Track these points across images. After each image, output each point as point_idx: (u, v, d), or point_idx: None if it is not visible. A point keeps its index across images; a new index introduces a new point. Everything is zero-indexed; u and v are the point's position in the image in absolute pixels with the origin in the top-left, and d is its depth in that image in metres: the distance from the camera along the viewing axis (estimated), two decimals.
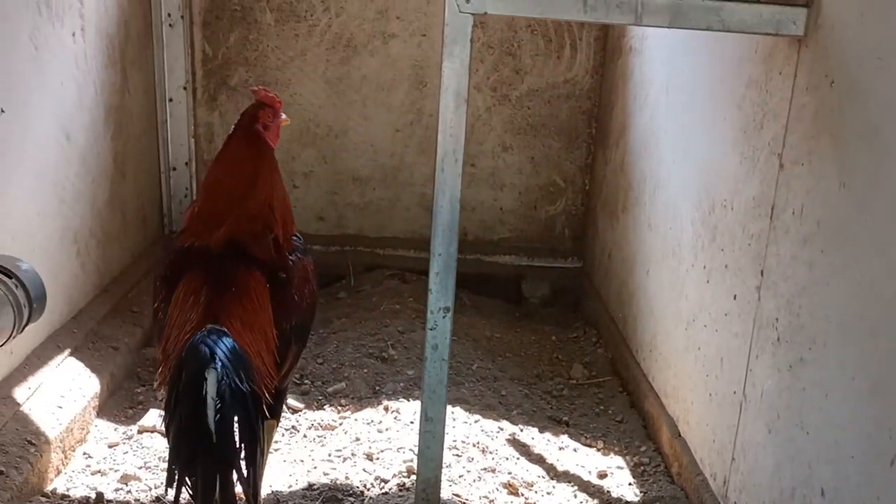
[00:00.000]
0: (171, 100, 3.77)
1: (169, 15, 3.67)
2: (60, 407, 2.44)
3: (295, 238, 2.09)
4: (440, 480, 2.11)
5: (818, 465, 1.64)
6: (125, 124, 3.34)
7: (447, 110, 1.76)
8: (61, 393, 2.50)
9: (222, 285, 1.87)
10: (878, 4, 1.53)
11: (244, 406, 1.71)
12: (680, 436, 2.48)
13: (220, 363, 1.66)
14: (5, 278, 1.88)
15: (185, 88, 3.78)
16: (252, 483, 1.76)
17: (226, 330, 1.76)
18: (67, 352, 2.69)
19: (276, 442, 2.57)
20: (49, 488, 2.26)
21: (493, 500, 2.32)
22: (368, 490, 2.34)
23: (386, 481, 2.37)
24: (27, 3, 2.46)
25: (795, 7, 1.72)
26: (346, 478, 2.38)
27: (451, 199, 1.87)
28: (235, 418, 1.69)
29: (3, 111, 2.31)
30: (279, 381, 1.94)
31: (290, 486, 2.34)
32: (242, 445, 1.72)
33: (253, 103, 2.07)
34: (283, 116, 2.10)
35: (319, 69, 3.84)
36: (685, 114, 2.62)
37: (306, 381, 2.95)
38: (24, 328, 1.93)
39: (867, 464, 1.48)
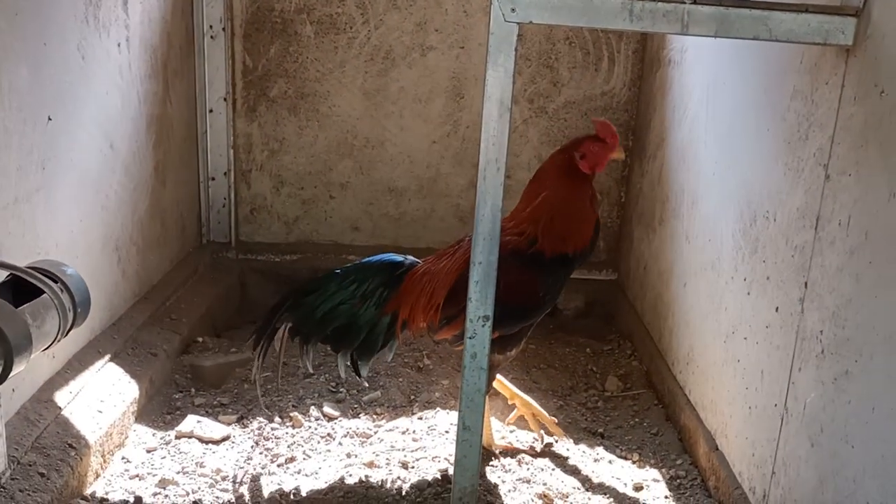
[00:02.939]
0: (211, 111, 3.81)
1: (211, 27, 3.71)
2: (100, 412, 2.47)
3: (557, 256, 2.37)
4: (476, 490, 2.11)
5: (864, 480, 1.61)
6: (166, 134, 3.38)
7: (490, 119, 1.76)
8: (101, 398, 2.53)
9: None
10: None
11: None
12: (717, 449, 2.45)
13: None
14: (51, 282, 1.90)
15: (225, 100, 3.82)
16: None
17: (414, 262, 2.51)
18: (107, 357, 2.72)
19: (314, 450, 2.58)
20: (88, 492, 2.29)
21: None
22: (404, 498, 2.34)
23: (421, 490, 2.37)
24: (76, 14, 2.51)
25: (844, 16, 1.69)
26: (381, 485, 2.39)
27: (492, 207, 1.87)
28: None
29: (50, 119, 2.35)
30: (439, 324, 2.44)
31: (326, 494, 2.35)
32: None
33: (589, 134, 2.37)
34: (619, 150, 2.38)
35: (357, 81, 3.87)
36: (726, 126, 2.60)
37: (342, 390, 2.95)
38: (68, 332, 1.95)
39: None
